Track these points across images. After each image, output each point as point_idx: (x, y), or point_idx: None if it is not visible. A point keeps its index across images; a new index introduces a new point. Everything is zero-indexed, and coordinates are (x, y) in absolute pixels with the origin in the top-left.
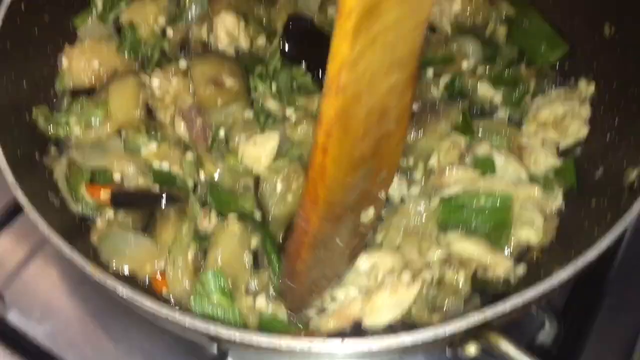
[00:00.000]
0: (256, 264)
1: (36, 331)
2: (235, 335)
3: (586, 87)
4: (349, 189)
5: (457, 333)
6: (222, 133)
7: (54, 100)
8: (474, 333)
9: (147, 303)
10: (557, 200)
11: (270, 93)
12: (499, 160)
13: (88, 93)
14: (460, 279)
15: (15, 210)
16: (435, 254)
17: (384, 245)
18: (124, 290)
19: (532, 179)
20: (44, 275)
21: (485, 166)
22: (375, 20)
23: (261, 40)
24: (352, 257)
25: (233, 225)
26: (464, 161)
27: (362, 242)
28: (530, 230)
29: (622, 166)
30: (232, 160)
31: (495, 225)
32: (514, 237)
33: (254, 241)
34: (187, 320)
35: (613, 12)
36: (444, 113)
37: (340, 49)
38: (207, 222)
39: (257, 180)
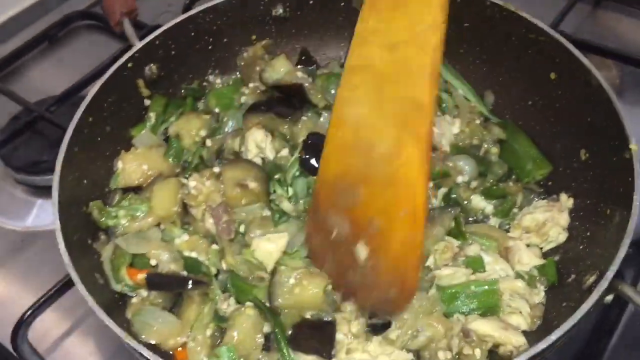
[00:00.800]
0: (267, 346)
1: None
2: None
3: (566, 200)
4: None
5: None
6: (242, 228)
7: (108, 195)
8: None
9: None
10: (539, 295)
11: (287, 196)
12: (488, 259)
13: (135, 190)
14: (477, 354)
15: (65, 285)
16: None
17: (397, 341)
18: (152, 356)
19: (518, 275)
20: (83, 345)
21: (476, 265)
22: None
23: (284, 152)
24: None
25: (249, 310)
26: (457, 261)
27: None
28: (519, 317)
29: (586, 272)
30: (247, 253)
31: (486, 309)
32: None
33: (266, 327)
34: None
35: (587, 141)
36: (439, 219)
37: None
38: (226, 305)
39: (273, 271)
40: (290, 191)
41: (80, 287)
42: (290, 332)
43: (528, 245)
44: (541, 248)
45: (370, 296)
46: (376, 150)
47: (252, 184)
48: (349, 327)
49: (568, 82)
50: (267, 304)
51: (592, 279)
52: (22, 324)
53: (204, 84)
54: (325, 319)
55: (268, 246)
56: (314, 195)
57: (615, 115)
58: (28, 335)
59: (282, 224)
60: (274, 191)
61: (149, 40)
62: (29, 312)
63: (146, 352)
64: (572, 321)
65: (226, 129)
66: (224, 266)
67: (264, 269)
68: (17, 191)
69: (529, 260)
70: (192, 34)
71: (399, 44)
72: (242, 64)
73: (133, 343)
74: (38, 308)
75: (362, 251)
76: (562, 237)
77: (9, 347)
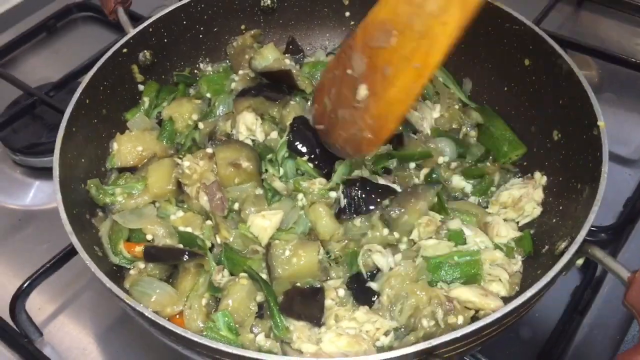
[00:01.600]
0: (261, 314)
1: None
2: (235, 351)
3: (540, 178)
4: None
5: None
6: (236, 206)
7: (105, 174)
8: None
9: (169, 325)
10: (517, 264)
11: (278, 176)
12: (468, 232)
13: (130, 170)
14: (460, 321)
15: (64, 257)
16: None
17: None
18: (154, 316)
19: (497, 247)
20: (77, 320)
21: (457, 238)
22: None
23: (274, 135)
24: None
25: (243, 280)
26: (439, 235)
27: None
28: (499, 284)
29: (557, 241)
30: (243, 228)
31: (468, 278)
32: None
33: (259, 296)
34: (198, 338)
35: (559, 123)
36: (423, 194)
37: None
38: (220, 276)
39: (268, 245)
40: (281, 171)
41: (83, 255)
42: (281, 300)
43: (505, 220)
44: (517, 222)
45: (347, 133)
46: (427, 6)
47: (245, 163)
48: (336, 293)
49: (541, 67)
50: (261, 275)
51: (563, 244)
52: (21, 295)
53: (195, 71)
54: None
55: (263, 222)
56: (354, 34)
57: (585, 95)
58: (25, 306)
59: (275, 202)
60: (266, 171)
61: (143, 28)
62: (27, 283)
63: (148, 312)
64: (545, 280)
65: (218, 113)
66: (218, 240)
67: (259, 243)
68: (15, 172)
69: (506, 233)
70: (184, 22)
71: None
72: (232, 52)
73: (134, 304)
74: (36, 279)
75: (363, 91)
76: (537, 211)
77: (7, 318)
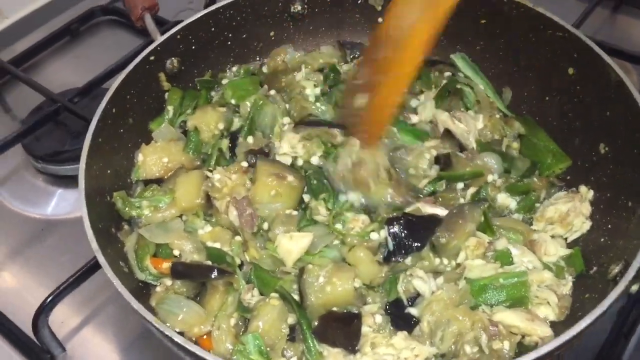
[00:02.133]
0: (293, 337)
1: None
2: None
3: (586, 192)
4: None
5: None
6: (265, 225)
7: (131, 186)
8: None
9: (197, 351)
10: (567, 286)
11: (325, 210)
12: (515, 252)
13: (157, 182)
14: (506, 346)
15: (88, 271)
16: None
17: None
18: (181, 340)
19: (545, 267)
20: (100, 335)
21: (505, 258)
22: None
23: (315, 160)
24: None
25: (274, 300)
26: (486, 256)
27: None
28: (547, 308)
29: (609, 263)
30: (271, 248)
31: (514, 302)
32: None
33: (291, 319)
34: None
35: (606, 135)
36: (470, 215)
37: None
38: (250, 296)
39: (302, 269)
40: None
41: (108, 271)
42: (316, 324)
43: (552, 237)
44: (565, 239)
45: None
46: (406, 21)
47: (290, 177)
48: (373, 319)
49: (587, 77)
50: (293, 296)
51: (617, 269)
52: (44, 309)
53: (219, 75)
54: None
55: (289, 244)
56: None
57: (636, 109)
58: (48, 321)
59: (307, 227)
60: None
61: (171, 35)
62: (50, 298)
63: (175, 336)
64: (600, 310)
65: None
66: (247, 258)
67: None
68: (38, 180)
69: (555, 250)
70: (212, 29)
71: None
72: (262, 76)
73: (162, 327)
74: (59, 294)
75: (362, 99)
76: (586, 225)
77: (30, 332)
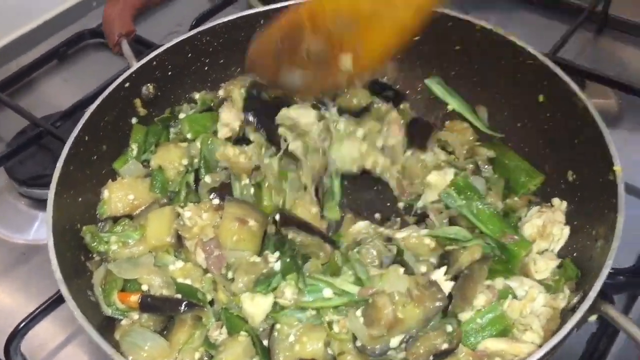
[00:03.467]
0: None
1: None
2: None
3: (559, 203)
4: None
5: None
6: (230, 274)
7: (100, 220)
8: None
9: None
10: (565, 298)
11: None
12: (514, 284)
13: (129, 216)
14: None
15: (58, 300)
16: None
17: None
18: None
19: (545, 285)
20: (78, 356)
21: (506, 295)
22: None
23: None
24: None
25: (242, 337)
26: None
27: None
28: (533, 333)
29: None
30: (237, 302)
31: (499, 334)
32: None
33: (256, 359)
34: None
35: (573, 162)
36: (478, 277)
37: None
38: (218, 333)
39: (272, 325)
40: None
41: (71, 304)
42: None
43: (540, 253)
44: (552, 250)
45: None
46: None
47: (251, 222)
48: None
49: (556, 104)
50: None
51: (576, 299)
52: (16, 335)
53: (176, 109)
54: None
55: (252, 307)
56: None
57: (601, 137)
58: (21, 346)
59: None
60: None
61: (146, 61)
62: (22, 324)
63: None
64: (554, 341)
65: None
66: (217, 298)
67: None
68: (20, 204)
69: (545, 265)
70: (189, 54)
71: None
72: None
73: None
74: (31, 320)
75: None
76: (566, 231)
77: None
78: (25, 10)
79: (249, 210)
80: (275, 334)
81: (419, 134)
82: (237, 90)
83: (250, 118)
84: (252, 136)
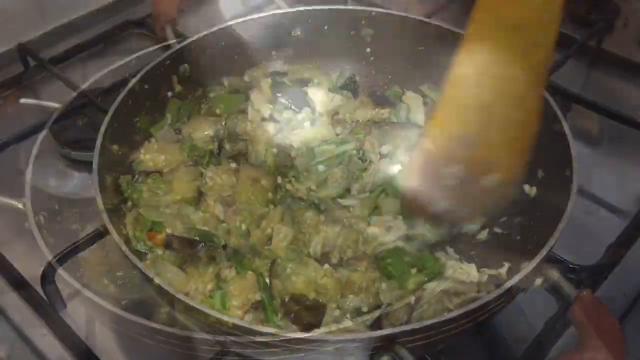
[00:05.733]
0: (255, 306)
1: None
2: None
3: (530, 189)
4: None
5: None
6: (243, 227)
7: (135, 173)
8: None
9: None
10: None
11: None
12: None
13: (160, 173)
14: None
15: (96, 236)
16: None
17: None
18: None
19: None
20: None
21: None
22: None
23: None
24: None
25: (250, 275)
26: None
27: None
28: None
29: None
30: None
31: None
32: None
33: (259, 295)
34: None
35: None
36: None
37: None
38: (228, 272)
39: (272, 262)
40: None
41: (113, 233)
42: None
43: None
44: None
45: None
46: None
47: (263, 181)
48: None
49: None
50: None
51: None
52: (53, 265)
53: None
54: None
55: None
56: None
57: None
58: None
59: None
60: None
61: (186, 44)
62: (57, 257)
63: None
64: (498, 292)
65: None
66: (230, 243)
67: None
68: (60, 164)
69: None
70: (222, 43)
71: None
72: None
73: (149, 273)
74: (68, 252)
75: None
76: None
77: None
78: None
79: (261, 173)
80: (275, 267)
81: None
82: (262, 79)
83: (283, 100)
84: (283, 115)
